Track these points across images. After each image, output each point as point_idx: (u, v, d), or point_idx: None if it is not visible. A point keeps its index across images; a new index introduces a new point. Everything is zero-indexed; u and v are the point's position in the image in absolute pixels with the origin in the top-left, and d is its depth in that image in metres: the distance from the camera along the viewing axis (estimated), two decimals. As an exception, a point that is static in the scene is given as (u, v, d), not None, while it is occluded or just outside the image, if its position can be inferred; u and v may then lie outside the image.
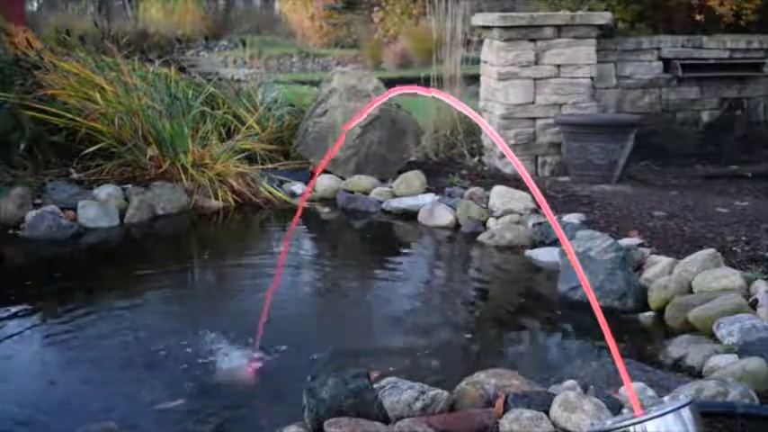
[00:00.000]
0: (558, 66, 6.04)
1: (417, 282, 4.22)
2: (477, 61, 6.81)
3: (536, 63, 6.04)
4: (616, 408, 2.42)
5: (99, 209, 4.97)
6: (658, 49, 6.48)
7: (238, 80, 6.80)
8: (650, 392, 2.55)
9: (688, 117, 6.62)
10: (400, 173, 5.70)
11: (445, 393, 2.54)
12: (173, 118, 5.50)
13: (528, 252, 4.42)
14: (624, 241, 4.19)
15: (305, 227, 5.12)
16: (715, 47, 6.53)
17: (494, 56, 6.20)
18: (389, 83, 6.62)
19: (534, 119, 6.10)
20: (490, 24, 6.18)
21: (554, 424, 2.38)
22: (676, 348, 3.10)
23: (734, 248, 4.15)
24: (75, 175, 5.48)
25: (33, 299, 3.80)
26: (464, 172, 6.05)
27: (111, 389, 2.89)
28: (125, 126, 5.45)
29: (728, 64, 6.55)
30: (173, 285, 4.19)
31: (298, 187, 5.64)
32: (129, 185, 5.29)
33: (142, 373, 3.00)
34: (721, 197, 5.43)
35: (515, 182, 5.43)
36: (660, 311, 3.51)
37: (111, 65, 5.90)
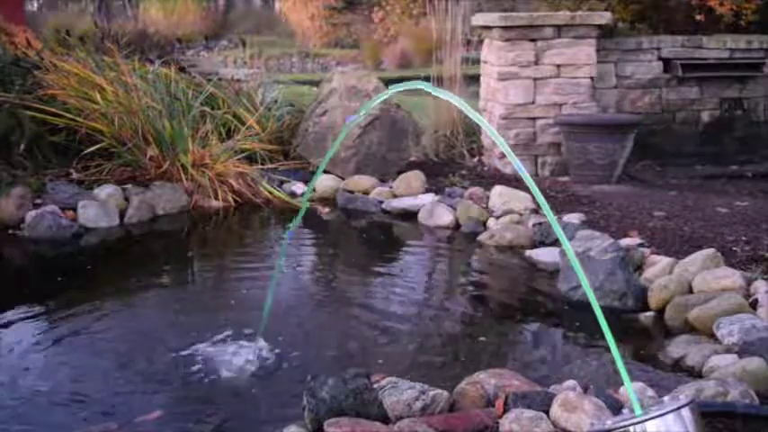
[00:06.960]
0: (558, 66, 6.05)
1: (417, 282, 4.22)
2: (477, 61, 6.81)
3: (536, 63, 6.04)
4: (616, 408, 2.42)
5: (99, 209, 4.97)
6: (658, 49, 6.48)
7: (238, 80, 6.80)
8: (650, 392, 2.54)
9: (688, 117, 6.62)
10: (400, 173, 5.70)
11: (445, 393, 2.54)
12: (173, 118, 5.50)
13: (528, 252, 4.42)
14: (624, 241, 4.19)
15: (305, 227, 5.12)
16: (715, 47, 6.52)
17: (494, 56, 6.20)
18: (389, 83, 6.61)
19: (534, 119, 6.10)
20: (490, 24, 6.19)
21: (554, 424, 2.38)
22: (676, 348, 3.11)
23: (734, 248, 4.15)
24: (75, 175, 5.47)
25: (33, 299, 3.80)
26: (464, 172, 6.05)
27: (110, 389, 2.89)
28: (125, 126, 5.44)
29: (728, 64, 6.55)
30: (173, 285, 4.19)
31: (298, 187, 5.64)
32: (129, 185, 5.29)
33: (142, 373, 3.00)
34: (721, 197, 5.42)
35: (515, 182, 5.43)
36: (660, 311, 3.51)
37: (111, 65, 5.90)
